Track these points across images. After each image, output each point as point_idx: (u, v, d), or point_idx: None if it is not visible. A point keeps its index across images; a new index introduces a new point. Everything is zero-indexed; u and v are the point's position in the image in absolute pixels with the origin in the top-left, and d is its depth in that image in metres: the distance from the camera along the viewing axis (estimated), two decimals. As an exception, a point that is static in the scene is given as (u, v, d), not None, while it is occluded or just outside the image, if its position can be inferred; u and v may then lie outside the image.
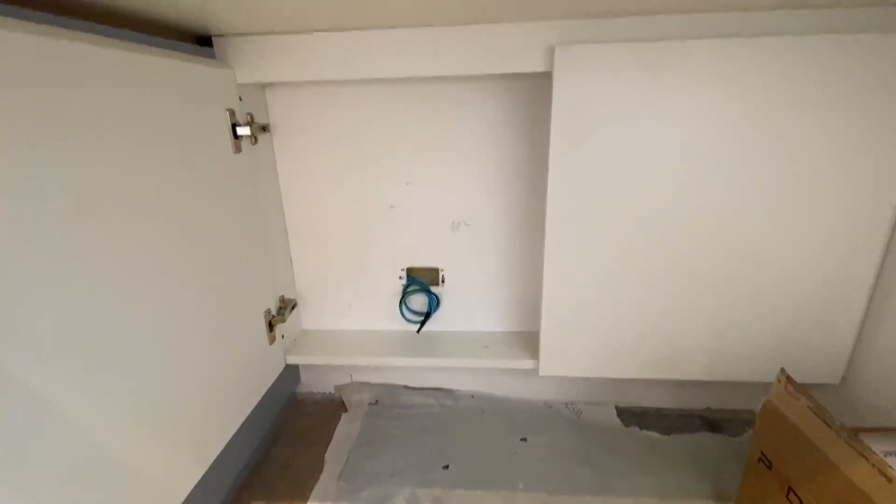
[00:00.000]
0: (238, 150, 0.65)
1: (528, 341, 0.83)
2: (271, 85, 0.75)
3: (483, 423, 0.83)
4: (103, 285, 0.42)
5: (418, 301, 0.87)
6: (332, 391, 0.93)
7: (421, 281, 0.84)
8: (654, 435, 0.79)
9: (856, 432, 0.45)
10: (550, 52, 0.60)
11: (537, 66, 0.62)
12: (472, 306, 0.86)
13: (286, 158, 0.79)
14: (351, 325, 0.89)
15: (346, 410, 0.88)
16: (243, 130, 0.65)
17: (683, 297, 0.69)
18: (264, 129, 0.72)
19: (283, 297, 0.81)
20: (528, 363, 0.78)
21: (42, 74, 0.37)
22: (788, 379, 0.53)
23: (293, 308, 0.81)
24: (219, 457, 0.60)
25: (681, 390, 0.84)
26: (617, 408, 0.85)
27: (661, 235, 0.66)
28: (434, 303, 0.85)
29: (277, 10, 0.54)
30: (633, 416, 0.84)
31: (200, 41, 0.66)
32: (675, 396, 0.84)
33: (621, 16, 0.59)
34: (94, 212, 0.41)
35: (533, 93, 0.71)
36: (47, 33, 0.37)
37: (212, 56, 0.66)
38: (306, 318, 0.89)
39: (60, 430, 0.38)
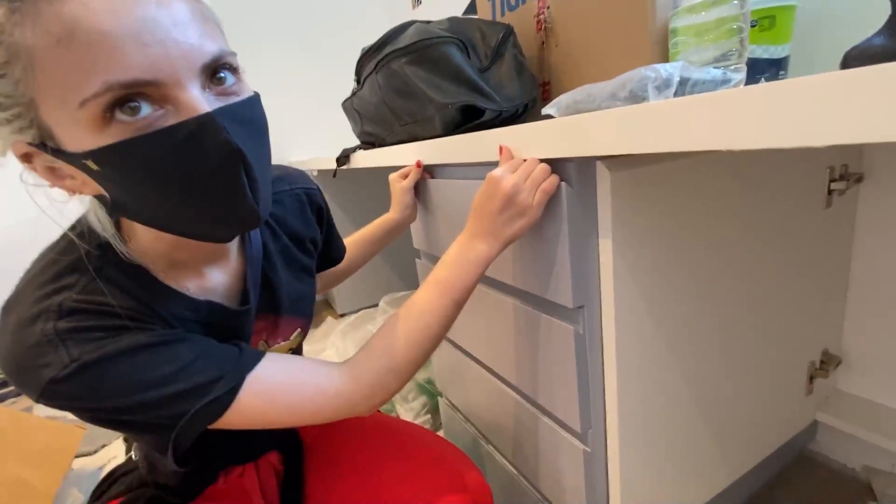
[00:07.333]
0: (828, 205, 0.66)
1: None
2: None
3: None
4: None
5: None
6: (857, 468, 0.81)
7: None
8: None
9: None
10: None
11: None
12: None
13: (871, 209, 0.72)
14: (910, 407, 0.74)
15: (873, 499, 0.75)
16: (838, 185, 0.65)
17: None
18: (858, 180, 0.69)
19: (826, 350, 0.77)
20: None
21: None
22: None
23: (837, 365, 0.76)
24: (717, 496, 0.64)
25: None
26: None
27: None
28: None
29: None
30: None
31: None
32: None
33: None
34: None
35: None
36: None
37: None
38: (844, 380, 0.81)
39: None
